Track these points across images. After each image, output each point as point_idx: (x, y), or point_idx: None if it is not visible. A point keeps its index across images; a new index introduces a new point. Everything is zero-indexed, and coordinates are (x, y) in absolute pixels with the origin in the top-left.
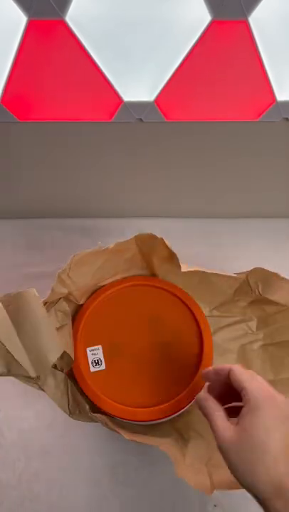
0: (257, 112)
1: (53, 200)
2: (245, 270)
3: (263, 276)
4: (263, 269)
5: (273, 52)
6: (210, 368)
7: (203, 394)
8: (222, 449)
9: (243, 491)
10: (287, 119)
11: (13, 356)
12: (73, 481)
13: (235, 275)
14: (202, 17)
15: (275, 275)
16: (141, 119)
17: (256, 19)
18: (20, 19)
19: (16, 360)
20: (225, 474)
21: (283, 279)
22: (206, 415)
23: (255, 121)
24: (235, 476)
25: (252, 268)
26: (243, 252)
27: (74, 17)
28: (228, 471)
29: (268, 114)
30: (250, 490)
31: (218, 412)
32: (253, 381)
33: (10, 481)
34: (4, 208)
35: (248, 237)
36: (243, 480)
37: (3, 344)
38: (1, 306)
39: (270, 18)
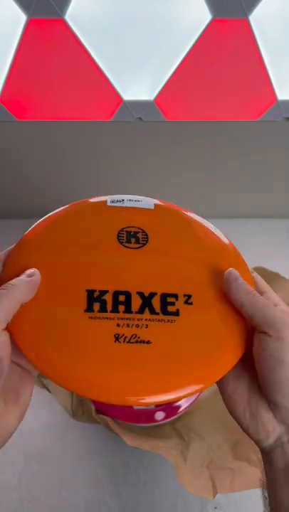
0: (257, 112)
1: (53, 199)
2: None
3: (263, 276)
4: (263, 268)
5: (274, 51)
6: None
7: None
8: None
9: (244, 493)
10: (287, 118)
11: None
12: (73, 482)
13: None
14: (202, 16)
15: (276, 275)
16: (141, 119)
17: (257, 18)
18: (19, 18)
19: None
20: (227, 477)
21: (284, 278)
22: (248, 293)
23: (256, 121)
24: (284, 369)
25: (252, 267)
26: (243, 252)
27: (74, 16)
28: (230, 474)
29: (268, 114)
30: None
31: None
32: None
33: (9, 483)
34: (4, 207)
35: (248, 237)
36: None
37: None
38: None
39: (270, 16)
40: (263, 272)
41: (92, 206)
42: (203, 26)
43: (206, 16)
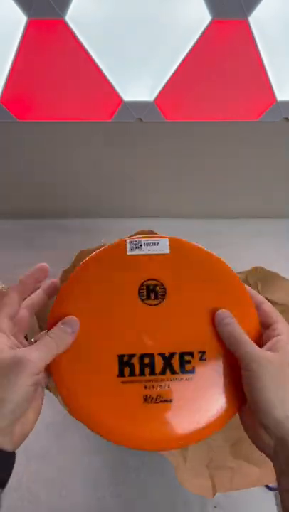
0: (257, 112)
1: (53, 200)
2: (245, 270)
3: (263, 276)
4: (263, 268)
5: (273, 52)
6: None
7: (227, 312)
8: (259, 362)
9: (243, 492)
10: (287, 119)
11: None
12: (73, 481)
13: None
14: (202, 17)
15: (275, 275)
16: (141, 119)
17: (256, 19)
18: (20, 19)
19: None
20: (226, 476)
21: (283, 278)
22: (232, 334)
23: (255, 121)
24: (261, 396)
25: (252, 267)
26: (243, 252)
27: (74, 17)
28: (229, 473)
29: (268, 114)
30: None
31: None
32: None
33: (9, 483)
34: (4, 207)
35: (248, 237)
36: (270, 400)
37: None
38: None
39: (270, 17)
40: (262, 272)
41: (114, 255)
42: (203, 27)
43: (205, 17)
